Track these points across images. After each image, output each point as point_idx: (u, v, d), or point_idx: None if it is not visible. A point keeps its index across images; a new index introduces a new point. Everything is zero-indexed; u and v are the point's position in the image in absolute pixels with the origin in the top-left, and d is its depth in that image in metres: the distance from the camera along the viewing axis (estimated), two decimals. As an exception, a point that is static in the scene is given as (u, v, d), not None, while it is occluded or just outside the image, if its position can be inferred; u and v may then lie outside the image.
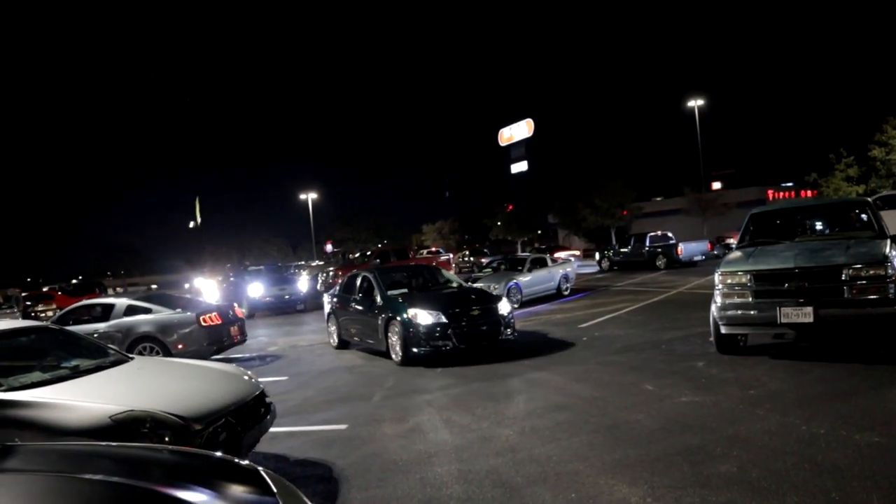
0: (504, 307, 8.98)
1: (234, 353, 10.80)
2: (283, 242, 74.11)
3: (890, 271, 5.94)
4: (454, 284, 10.47)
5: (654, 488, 3.67)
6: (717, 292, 6.90)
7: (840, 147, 29.01)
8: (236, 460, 2.47)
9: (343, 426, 5.78)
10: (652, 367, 7.13)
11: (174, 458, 2.46)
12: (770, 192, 50.74)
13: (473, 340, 8.47)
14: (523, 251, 46.08)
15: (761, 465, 3.85)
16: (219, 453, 2.72)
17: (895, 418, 4.59)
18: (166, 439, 3.66)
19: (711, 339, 7.37)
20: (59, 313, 10.61)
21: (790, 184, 52.18)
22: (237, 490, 2.12)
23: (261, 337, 13.93)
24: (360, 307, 9.89)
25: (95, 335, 8.31)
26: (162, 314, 9.44)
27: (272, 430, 4.82)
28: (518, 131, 49.20)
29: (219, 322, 9.64)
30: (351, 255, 35.44)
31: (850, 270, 6.07)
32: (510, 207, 56.25)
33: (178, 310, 9.62)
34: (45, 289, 34.99)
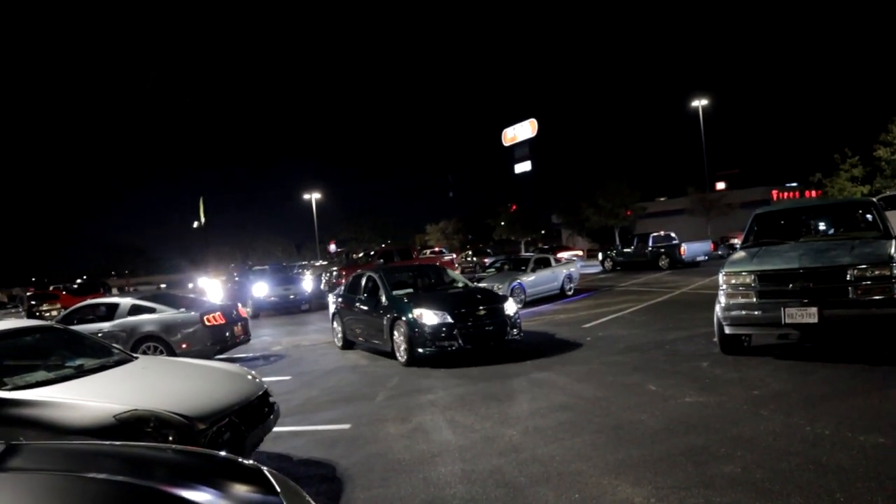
0: (510, 307, 8.95)
1: (237, 353, 10.82)
2: (287, 242, 74.31)
3: (895, 272, 5.91)
4: (460, 284, 10.43)
5: (658, 489, 3.66)
6: (721, 292, 6.88)
7: (845, 147, 28.96)
8: (240, 460, 2.47)
9: (346, 426, 5.79)
10: (656, 367, 7.12)
11: (178, 458, 2.47)
12: (774, 193, 50.68)
13: (480, 341, 8.44)
14: (527, 251, 46.05)
15: (765, 466, 3.84)
16: (223, 453, 2.72)
17: (900, 419, 4.57)
18: (170, 439, 3.67)
19: (715, 339, 7.35)
20: (63, 313, 10.65)
21: (795, 184, 52.08)
22: (241, 489, 2.12)
23: (264, 336, 13.95)
24: (365, 307, 9.88)
25: (100, 335, 8.35)
26: (166, 314, 9.47)
27: (276, 429, 4.83)
28: (522, 131, 49.25)
29: (222, 322, 9.66)
30: (354, 255, 35.43)
31: (855, 271, 6.05)
32: (514, 207, 56.22)
33: (182, 309, 9.64)
34: (49, 288, 35.14)
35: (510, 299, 9.40)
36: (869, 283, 5.98)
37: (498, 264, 18.63)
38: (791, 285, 6.33)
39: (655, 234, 26.46)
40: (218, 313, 9.72)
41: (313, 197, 57.70)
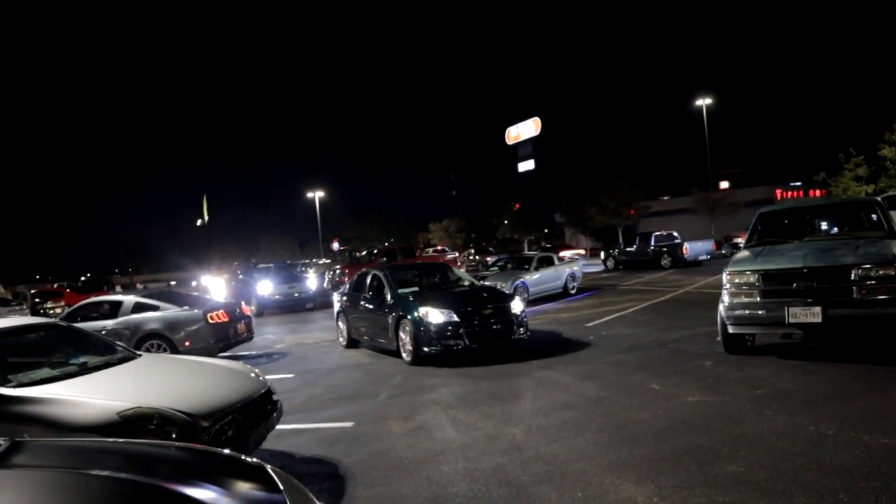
0: (517, 306, 8.91)
1: (241, 351, 10.84)
2: (291, 240, 74.35)
3: (900, 271, 5.89)
4: (466, 283, 10.38)
5: (661, 488, 3.66)
6: (724, 292, 6.86)
7: (849, 146, 28.76)
8: (243, 457, 2.47)
9: (349, 424, 5.80)
10: (659, 366, 7.11)
11: (181, 455, 2.47)
12: (778, 192, 50.49)
13: (486, 340, 8.40)
14: (530, 250, 46.02)
15: (769, 466, 3.83)
16: (226, 450, 2.72)
17: (905, 419, 4.55)
18: (173, 436, 3.68)
19: (719, 338, 7.33)
20: (67, 310, 10.69)
21: (799, 183, 51.86)
22: (244, 487, 2.12)
23: (268, 335, 13.97)
24: (370, 306, 9.85)
25: (103, 332, 8.36)
26: (169, 311, 9.49)
27: (279, 427, 4.84)
28: (525, 130, 49.09)
29: (226, 319, 9.68)
30: (358, 254, 35.44)
31: (860, 270, 6.02)
32: (517, 206, 56.18)
33: (186, 307, 9.67)
34: (53, 286, 35.25)
35: (517, 298, 9.37)
36: (873, 282, 5.96)
37: (501, 263, 18.62)
38: (795, 285, 6.30)
39: (658, 233, 26.46)
40: (221, 311, 9.74)
41: (317, 195, 57.76)
